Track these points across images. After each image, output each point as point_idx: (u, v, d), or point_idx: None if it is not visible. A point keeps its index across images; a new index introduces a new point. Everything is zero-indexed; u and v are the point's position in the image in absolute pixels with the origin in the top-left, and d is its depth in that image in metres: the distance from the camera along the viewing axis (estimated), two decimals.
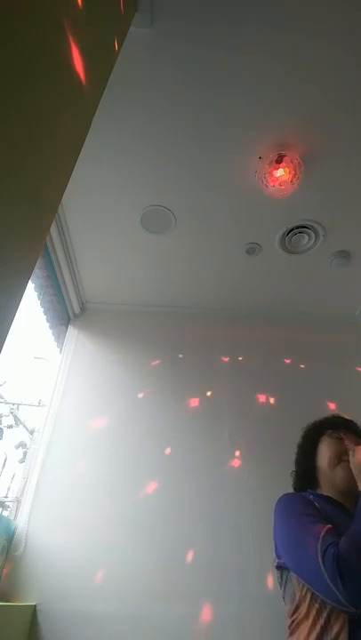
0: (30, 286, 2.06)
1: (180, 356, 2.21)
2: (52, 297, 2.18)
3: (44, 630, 1.44)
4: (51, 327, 2.33)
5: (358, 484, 0.87)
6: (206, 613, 1.48)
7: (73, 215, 1.86)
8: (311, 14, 1.18)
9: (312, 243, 1.92)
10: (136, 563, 1.58)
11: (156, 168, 1.63)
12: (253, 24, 1.21)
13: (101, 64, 0.99)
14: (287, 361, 2.23)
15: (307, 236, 1.90)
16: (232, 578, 1.55)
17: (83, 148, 0.89)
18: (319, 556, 0.74)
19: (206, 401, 2.02)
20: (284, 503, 0.97)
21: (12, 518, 1.79)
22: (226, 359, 2.21)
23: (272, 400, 2.06)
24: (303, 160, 1.53)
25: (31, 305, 2.14)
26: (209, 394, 2.05)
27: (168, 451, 1.86)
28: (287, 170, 1.53)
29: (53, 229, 1.84)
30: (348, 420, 1.16)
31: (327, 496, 0.99)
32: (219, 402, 2.03)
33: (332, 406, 2.06)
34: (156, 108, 1.42)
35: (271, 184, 1.57)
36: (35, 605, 1.47)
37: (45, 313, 2.23)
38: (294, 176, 1.54)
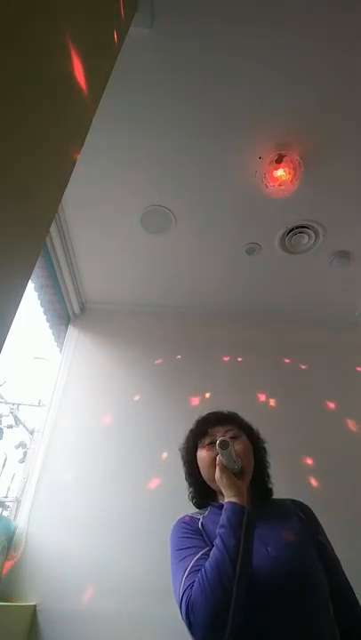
0: (30, 286, 2.06)
1: (180, 356, 2.21)
2: (52, 297, 2.18)
3: (44, 630, 1.44)
4: (51, 327, 2.33)
5: (225, 496, 0.84)
6: None
7: (73, 215, 1.86)
8: (311, 15, 1.18)
9: (312, 243, 1.92)
10: (136, 562, 1.58)
11: (157, 168, 1.63)
12: (253, 24, 1.21)
13: (101, 64, 0.99)
14: (287, 361, 2.23)
15: (307, 236, 1.90)
16: None
17: (83, 148, 0.89)
18: (179, 601, 0.75)
19: (206, 401, 2.02)
20: (170, 537, 0.92)
21: (12, 518, 1.79)
22: (226, 359, 2.21)
23: (272, 401, 2.06)
24: (303, 160, 1.54)
25: (31, 305, 2.14)
26: (208, 394, 2.05)
27: (168, 450, 1.86)
28: (287, 170, 1.53)
29: (53, 229, 1.84)
30: (210, 416, 1.07)
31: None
32: (219, 402, 2.03)
33: (331, 406, 2.07)
34: (156, 108, 1.42)
35: (271, 184, 1.57)
36: (35, 605, 1.47)
37: (45, 313, 2.23)
38: (294, 176, 1.54)
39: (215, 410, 1.12)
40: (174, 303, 2.36)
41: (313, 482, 1.81)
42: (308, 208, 1.77)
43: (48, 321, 2.29)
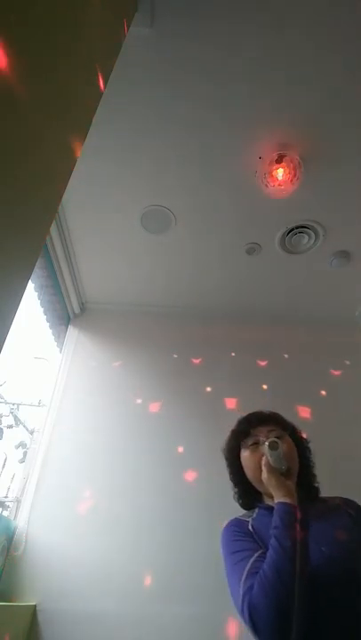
0: (30, 286, 2.06)
1: (179, 355, 2.21)
2: (52, 297, 2.18)
3: (43, 630, 1.44)
4: (51, 327, 2.33)
5: (275, 497, 0.83)
6: (206, 612, 1.48)
7: (73, 215, 1.86)
8: (311, 14, 1.18)
9: (312, 243, 1.92)
10: (136, 562, 1.58)
11: (157, 168, 1.63)
12: (253, 24, 1.21)
13: (101, 64, 0.99)
14: (287, 361, 2.23)
15: (307, 236, 1.89)
16: None
17: (83, 148, 0.89)
18: (240, 604, 0.74)
19: (206, 400, 2.02)
20: (221, 541, 0.91)
21: (12, 518, 1.79)
22: (225, 359, 2.21)
23: (273, 399, 2.06)
24: (303, 160, 1.53)
25: (31, 305, 2.14)
26: (209, 390, 2.05)
27: (168, 451, 1.86)
28: (287, 170, 1.53)
29: (53, 229, 1.84)
30: (251, 417, 1.06)
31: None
32: (218, 401, 2.03)
33: (330, 406, 2.07)
34: (156, 108, 1.42)
35: (271, 184, 1.56)
36: (35, 605, 1.47)
37: (45, 313, 2.23)
38: (294, 176, 1.54)
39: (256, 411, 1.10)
40: (174, 303, 2.36)
41: None
42: (308, 208, 1.77)
43: (48, 321, 2.29)
